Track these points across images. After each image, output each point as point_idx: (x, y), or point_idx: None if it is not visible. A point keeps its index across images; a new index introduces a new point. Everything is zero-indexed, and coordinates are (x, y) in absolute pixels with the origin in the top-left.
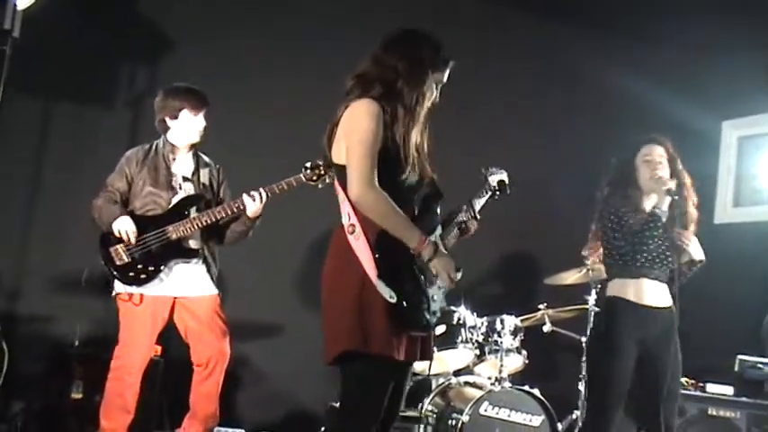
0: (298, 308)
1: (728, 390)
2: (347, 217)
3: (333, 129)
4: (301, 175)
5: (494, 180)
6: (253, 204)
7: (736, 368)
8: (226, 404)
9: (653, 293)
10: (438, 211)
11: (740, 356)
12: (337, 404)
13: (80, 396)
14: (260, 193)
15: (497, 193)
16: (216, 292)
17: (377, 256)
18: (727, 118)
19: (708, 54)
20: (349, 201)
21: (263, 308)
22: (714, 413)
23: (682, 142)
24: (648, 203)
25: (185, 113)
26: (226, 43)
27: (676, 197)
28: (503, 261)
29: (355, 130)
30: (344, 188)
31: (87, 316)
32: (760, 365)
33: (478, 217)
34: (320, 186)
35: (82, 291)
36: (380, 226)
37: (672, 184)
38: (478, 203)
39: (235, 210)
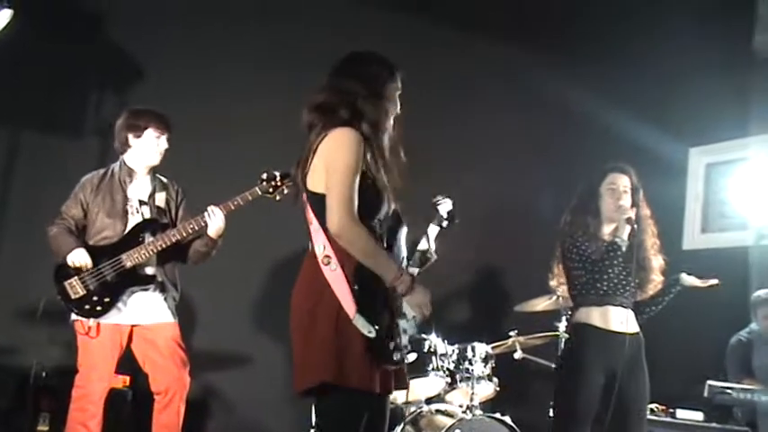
0: (265, 336)
1: (698, 415)
2: (322, 247)
3: (308, 157)
4: (257, 188)
5: (443, 209)
6: (211, 223)
7: (706, 394)
8: None
9: (617, 319)
10: (403, 242)
11: (709, 382)
12: None
13: (46, 428)
14: (211, 211)
15: (446, 222)
16: (174, 320)
17: (356, 289)
18: (695, 145)
19: (675, 81)
20: (324, 231)
21: (230, 337)
22: None
23: (649, 169)
24: (608, 232)
25: (150, 132)
26: (193, 70)
27: (635, 226)
28: (473, 288)
29: (338, 160)
30: (318, 217)
31: (53, 347)
32: (729, 391)
33: (433, 248)
34: (278, 198)
35: (47, 321)
36: (357, 259)
37: (632, 214)
38: (433, 234)
39: (189, 231)
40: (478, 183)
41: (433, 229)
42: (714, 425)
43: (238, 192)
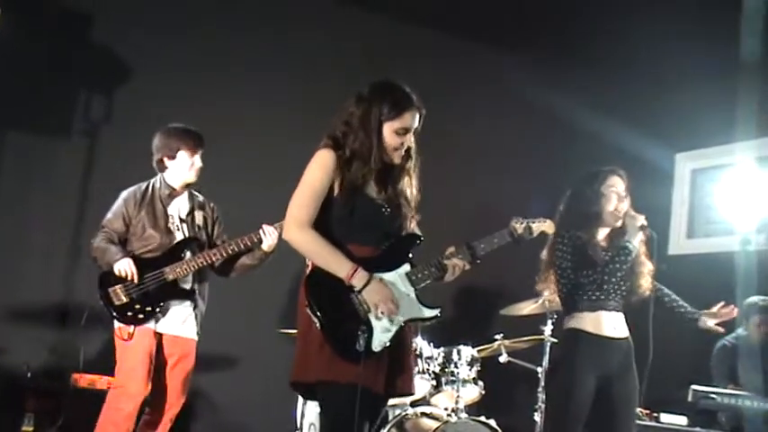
0: (252, 338)
1: (682, 420)
2: None
3: None
4: None
5: (520, 229)
6: (266, 239)
7: (690, 398)
8: None
9: (610, 325)
10: (409, 250)
11: (693, 387)
12: None
13: (31, 429)
14: (266, 229)
15: (516, 239)
16: (196, 338)
17: (307, 286)
18: (681, 150)
19: (661, 87)
20: None
21: (216, 338)
22: None
23: (636, 174)
24: (603, 235)
25: (182, 154)
26: (181, 71)
27: (649, 232)
28: (459, 292)
29: (303, 175)
30: None
31: (40, 347)
32: (713, 396)
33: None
34: None
35: (34, 321)
36: None
37: (644, 221)
38: (482, 248)
39: (230, 251)
40: (466, 186)
41: (482, 245)
42: (698, 429)
43: (225, 191)
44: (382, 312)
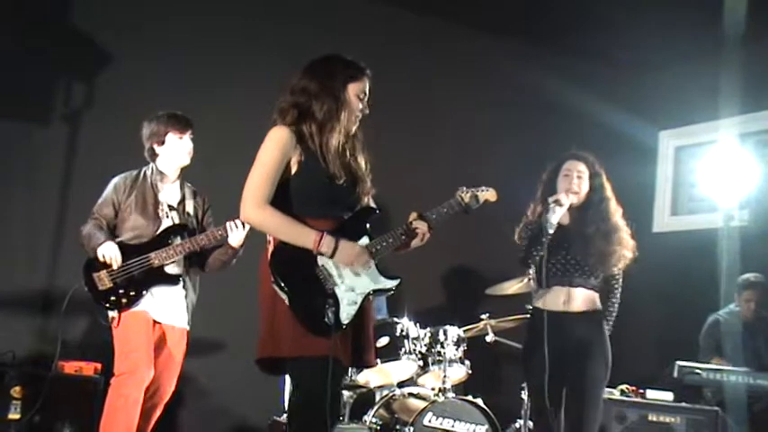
0: (237, 321)
1: (668, 396)
2: None
3: None
4: None
5: (467, 197)
6: (234, 233)
7: (676, 374)
8: (168, 421)
9: (560, 299)
10: (367, 223)
11: (679, 363)
12: (279, 418)
13: (17, 416)
14: (234, 223)
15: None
16: (188, 327)
17: (272, 263)
18: (665, 128)
19: (645, 65)
20: None
21: (204, 323)
22: (654, 419)
23: (620, 152)
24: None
25: (171, 137)
26: (165, 56)
27: (560, 207)
28: (445, 272)
29: (257, 156)
30: None
31: (25, 333)
32: (698, 371)
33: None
34: None
35: (18, 309)
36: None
37: (560, 197)
38: (434, 218)
39: (218, 236)
40: (450, 167)
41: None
42: (684, 404)
43: (211, 178)
44: (359, 269)
